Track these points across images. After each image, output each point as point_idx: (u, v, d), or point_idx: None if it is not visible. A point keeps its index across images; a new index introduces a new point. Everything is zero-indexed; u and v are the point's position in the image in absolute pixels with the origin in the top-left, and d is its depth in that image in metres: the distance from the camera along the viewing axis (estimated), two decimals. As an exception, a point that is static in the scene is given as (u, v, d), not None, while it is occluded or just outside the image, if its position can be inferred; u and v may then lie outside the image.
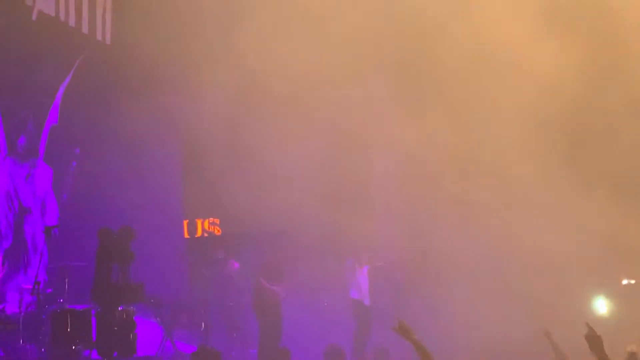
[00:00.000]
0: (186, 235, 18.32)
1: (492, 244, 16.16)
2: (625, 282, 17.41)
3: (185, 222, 18.32)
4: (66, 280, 11.96)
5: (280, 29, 16.27)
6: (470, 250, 16.35)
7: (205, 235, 18.71)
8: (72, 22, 15.65)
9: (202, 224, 18.90)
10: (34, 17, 14.76)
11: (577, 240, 15.33)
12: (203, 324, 12.76)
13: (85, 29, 15.99)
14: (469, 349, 12.63)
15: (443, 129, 16.10)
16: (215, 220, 18.87)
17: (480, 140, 16.58)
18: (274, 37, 16.15)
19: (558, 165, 15.65)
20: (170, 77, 17.35)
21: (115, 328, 10.69)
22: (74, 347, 11.14)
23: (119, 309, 10.75)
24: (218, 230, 18.95)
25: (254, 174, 17.20)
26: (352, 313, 13.83)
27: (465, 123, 16.42)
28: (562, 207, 15.82)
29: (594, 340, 6.47)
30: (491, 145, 16.12)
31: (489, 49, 15.74)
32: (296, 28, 16.08)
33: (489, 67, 15.74)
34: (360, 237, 15.39)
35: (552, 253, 15.82)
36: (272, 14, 16.39)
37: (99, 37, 16.34)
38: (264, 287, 12.45)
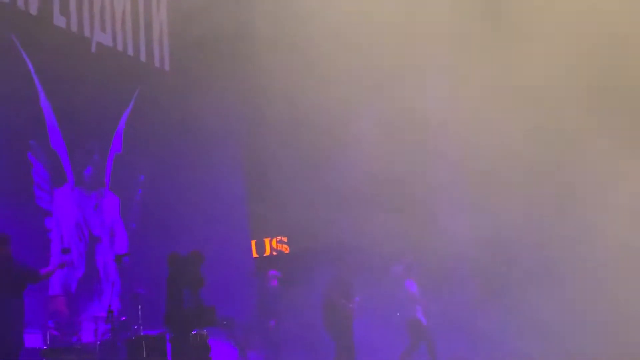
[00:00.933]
0: (255, 255, 18.39)
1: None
2: None
3: (253, 242, 18.40)
4: (139, 307, 12.06)
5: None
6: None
7: (274, 253, 18.76)
8: (130, 51, 15.88)
9: (270, 242, 18.96)
10: (93, 48, 15.01)
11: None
12: (276, 343, 12.74)
13: (142, 57, 16.21)
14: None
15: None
16: (283, 238, 18.91)
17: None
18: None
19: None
20: (231, 100, 17.51)
21: (190, 352, 10.72)
22: (150, 373, 11.23)
23: (193, 333, 10.80)
24: (286, 249, 18.98)
25: (321, 190, 17.20)
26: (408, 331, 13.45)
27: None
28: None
29: None
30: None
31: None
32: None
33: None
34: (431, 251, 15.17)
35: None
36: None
37: (157, 64, 16.55)
38: (336, 304, 12.37)
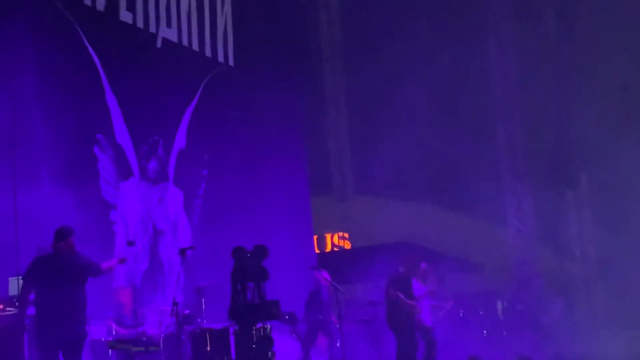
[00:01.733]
0: (316, 250, 18.37)
1: None
2: None
3: (315, 237, 18.37)
4: (202, 300, 12.10)
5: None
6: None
7: (335, 249, 18.74)
8: (195, 46, 15.97)
9: (332, 238, 18.94)
10: (158, 44, 15.13)
11: None
12: (338, 340, 12.67)
13: (208, 52, 16.29)
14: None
15: None
16: (344, 234, 18.89)
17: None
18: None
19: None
20: (294, 95, 17.50)
21: (254, 346, 10.70)
22: (214, 366, 11.26)
23: (257, 326, 10.77)
24: (348, 244, 18.96)
25: (379, 186, 17.18)
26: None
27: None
28: None
29: None
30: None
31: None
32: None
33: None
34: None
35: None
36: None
37: (220, 59, 16.61)
38: (400, 300, 12.23)
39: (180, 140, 15.51)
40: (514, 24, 18.34)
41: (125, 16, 14.48)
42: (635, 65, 15.71)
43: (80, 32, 13.53)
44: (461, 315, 15.85)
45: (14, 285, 10.67)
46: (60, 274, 9.57)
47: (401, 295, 12.20)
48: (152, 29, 15.02)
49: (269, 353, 10.80)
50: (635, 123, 15.44)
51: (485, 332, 15.67)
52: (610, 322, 15.47)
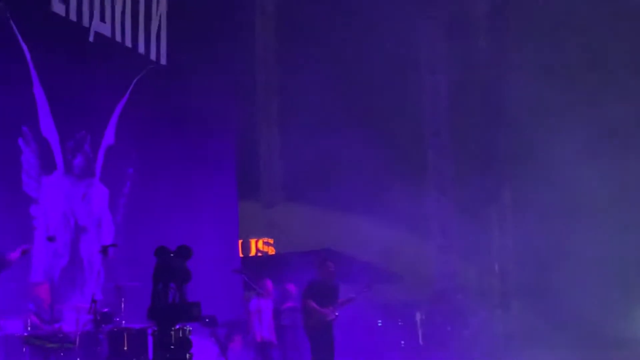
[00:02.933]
0: (240, 255, 18.34)
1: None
2: None
3: (239, 242, 18.34)
4: (122, 299, 11.97)
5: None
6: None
7: (259, 254, 18.74)
8: (128, 42, 15.81)
9: (256, 243, 18.92)
10: (91, 38, 14.95)
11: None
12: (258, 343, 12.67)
13: (141, 49, 16.16)
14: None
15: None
16: (269, 240, 18.90)
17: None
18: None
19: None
20: (225, 97, 17.48)
21: (172, 347, 10.61)
22: (130, 366, 11.16)
23: (176, 327, 10.69)
24: (272, 250, 18.97)
25: (306, 194, 17.26)
26: None
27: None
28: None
29: None
30: None
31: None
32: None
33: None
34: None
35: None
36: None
37: (153, 57, 16.50)
38: (312, 308, 12.27)
39: (109, 137, 15.34)
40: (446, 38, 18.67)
41: (58, 8, 14.26)
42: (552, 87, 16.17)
43: (11, 21, 13.29)
44: (379, 324, 16.02)
45: None
46: None
47: (312, 304, 12.22)
48: (86, 22, 14.83)
49: (187, 355, 10.70)
50: (557, 139, 15.85)
51: (402, 342, 15.85)
52: (527, 337, 15.80)
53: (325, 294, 12.43)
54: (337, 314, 12.53)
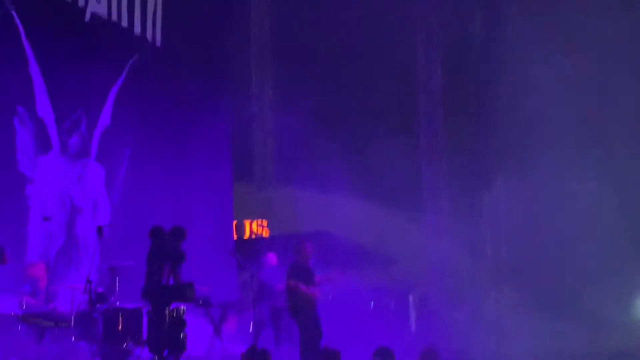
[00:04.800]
0: (234, 236, 18.39)
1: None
2: None
3: (234, 223, 18.39)
4: (117, 279, 12.03)
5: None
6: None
7: (253, 236, 18.79)
8: (124, 23, 15.80)
9: (251, 225, 18.97)
10: (87, 18, 14.94)
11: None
12: (252, 324, 12.75)
13: (137, 29, 16.15)
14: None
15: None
16: (263, 222, 18.94)
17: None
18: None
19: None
20: (220, 78, 17.49)
21: (166, 326, 10.73)
22: (124, 345, 11.23)
23: (170, 307, 10.80)
24: (266, 232, 19.03)
25: (301, 176, 17.32)
26: None
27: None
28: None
29: None
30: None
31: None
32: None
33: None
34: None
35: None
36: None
37: (149, 38, 16.49)
38: (299, 289, 12.31)
39: (105, 118, 15.36)
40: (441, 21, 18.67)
41: (54, -13, 14.27)
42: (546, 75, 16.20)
43: (7, 1, 13.28)
44: (372, 306, 16.11)
45: None
46: None
47: (301, 285, 12.29)
48: (81, 2, 14.82)
49: (181, 334, 10.83)
50: (555, 125, 15.88)
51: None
52: (518, 319, 15.91)
53: (306, 275, 12.48)
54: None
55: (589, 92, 15.86)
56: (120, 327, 11.28)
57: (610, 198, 15.72)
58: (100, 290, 11.77)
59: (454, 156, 18.18)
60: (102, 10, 15.26)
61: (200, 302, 13.37)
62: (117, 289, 11.88)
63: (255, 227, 19.06)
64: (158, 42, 16.66)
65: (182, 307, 11.13)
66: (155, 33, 16.64)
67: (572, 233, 15.67)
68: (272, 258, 14.35)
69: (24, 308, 11.50)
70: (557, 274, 16.19)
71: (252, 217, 18.96)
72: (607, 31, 15.52)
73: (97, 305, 11.47)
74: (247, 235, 18.91)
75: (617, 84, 15.77)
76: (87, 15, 14.94)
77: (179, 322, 11.01)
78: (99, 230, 11.97)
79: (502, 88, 16.76)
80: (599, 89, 15.90)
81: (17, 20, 13.47)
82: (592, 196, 15.74)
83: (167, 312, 10.82)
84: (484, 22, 18.34)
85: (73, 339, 11.18)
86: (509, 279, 17.38)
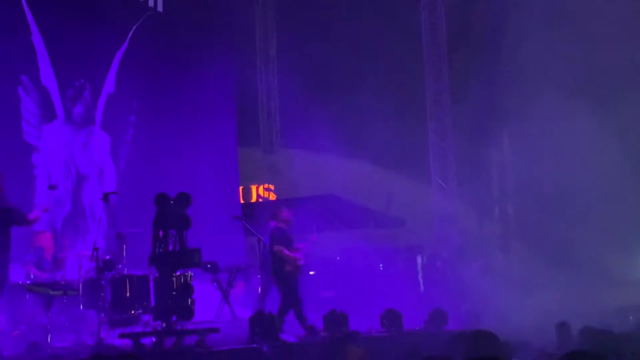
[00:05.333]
0: (241, 201, 18.40)
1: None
2: None
3: (240, 188, 18.39)
4: (124, 246, 12.03)
5: None
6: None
7: (260, 200, 18.80)
8: (126, -11, 15.73)
9: (257, 189, 18.97)
10: (88, -15, 14.86)
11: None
12: (259, 288, 12.78)
13: (139, -5, 16.07)
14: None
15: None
16: (270, 186, 18.94)
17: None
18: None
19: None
20: (223, 43, 17.40)
21: (174, 293, 10.71)
22: (133, 312, 11.26)
23: (177, 274, 10.79)
24: (273, 196, 19.03)
25: (306, 139, 17.29)
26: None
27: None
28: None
29: None
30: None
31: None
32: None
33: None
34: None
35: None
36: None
37: (150, 3, 16.39)
38: (285, 254, 12.27)
39: (110, 85, 15.33)
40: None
41: (54, -45, 14.16)
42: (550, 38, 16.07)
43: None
44: (381, 268, 16.14)
45: None
46: None
47: (285, 250, 12.27)
48: (84, -31, 14.75)
49: (189, 300, 10.81)
50: (555, 90, 15.78)
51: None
52: (525, 282, 15.91)
53: (287, 240, 12.45)
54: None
55: (587, 41, 15.72)
56: (128, 294, 11.29)
57: (613, 147, 15.59)
58: (107, 257, 11.77)
59: (459, 115, 18.11)
60: (104, -24, 15.17)
61: (208, 267, 13.40)
62: (124, 256, 11.89)
63: (262, 192, 19.06)
64: (160, 8, 16.56)
65: (190, 273, 11.11)
66: (157, -1, 16.55)
67: (581, 191, 15.62)
68: (284, 213, 14.22)
69: (31, 277, 11.55)
70: (566, 232, 16.15)
71: (259, 182, 18.96)
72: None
73: (105, 272, 11.46)
74: (253, 199, 18.91)
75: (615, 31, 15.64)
76: (89, -17, 14.85)
77: (187, 288, 10.97)
78: (105, 197, 11.93)
79: (504, 40, 16.58)
80: (598, 38, 15.76)
81: (19, -10, 13.39)
82: (594, 146, 15.62)
83: (174, 278, 10.79)
84: None
85: (81, 306, 11.22)
86: (517, 236, 17.36)
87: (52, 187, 12.27)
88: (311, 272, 15.08)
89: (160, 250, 10.87)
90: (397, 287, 15.18)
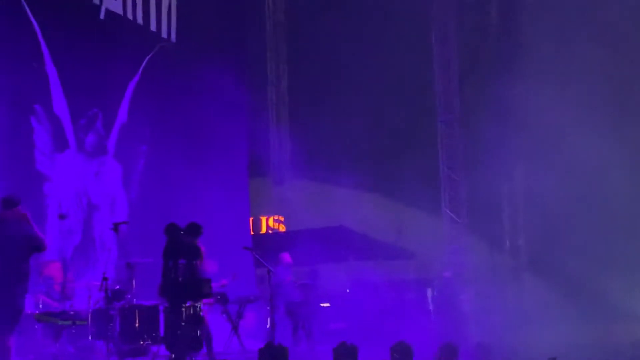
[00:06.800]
0: (251, 232, 18.38)
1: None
2: None
3: (250, 219, 18.37)
4: (134, 276, 12.02)
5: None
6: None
7: (270, 232, 18.78)
8: (139, 19, 15.81)
9: (267, 220, 18.95)
10: (102, 15, 14.95)
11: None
12: (269, 320, 12.72)
13: (153, 26, 16.15)
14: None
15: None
16: (279, 217, 18.92)
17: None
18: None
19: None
20: (235, 74, 17.47)
21: (183, 324, 10.69)
22: (142, 343, 11.21)
23: (186, 304, 10.76)
24: (283, 227, 19.01)
25: (316, 171, 17.31)
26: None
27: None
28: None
29: None
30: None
31: None
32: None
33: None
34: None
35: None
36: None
37: (164, 34, 16.49)
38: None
39: (122, 115, 15.39)
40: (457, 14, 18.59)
41: (68, -15, 14.28)
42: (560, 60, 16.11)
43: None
44: (390, 301, 16.07)
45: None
46: (4, 242, 9.31)
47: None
48: (96, 0, 14.85)
49: (198, 331, 10.79)
50: (579, 116, 15.74)
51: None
52: (537, 313, 15.83)
53: None
54: None
55: (600, 72, 15.76)
56: (137, 325, 11.25)
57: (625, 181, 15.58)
58: (117, 287, 11.74)
59: (470, 146, 18.12)
60: (117, 8, 15.28)
61: (218, 298, 13.35)
62: (133, 286, 11.86)
63: (271, 223, 19.05)
64: (173, 38, 16.67)
65: (199, 304, 11.08)
66: (170, 29, 16.65)
67: (589, 217, 15.60)
68: (286, 257, 14.36)
69: (40, 307, 11.52)
70: (576, 264, 16.08)
71: (269, 213, 18.96)
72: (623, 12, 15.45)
73: (114, 302, 11.42)
74: (263, 231, 18.89)
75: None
76: (102, 13, 14.95)
77: (196, 319, 10.95)
78: (115, 227, 11.92)
79: (517, 73, 16.65)
80: (614, 73, 15.80)
81: (32, 18, 13.49)
82: (606, 180, 15.61)
83: (183, 309, 10.76)
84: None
85: (90, 337, 11.17)
86: (528, 268, 17.31)
87: (62, 217, 12.29)
88: (326, 304, 15.07)
89: (170, 280, 10.86)
90: (407, 319, 15.10)
